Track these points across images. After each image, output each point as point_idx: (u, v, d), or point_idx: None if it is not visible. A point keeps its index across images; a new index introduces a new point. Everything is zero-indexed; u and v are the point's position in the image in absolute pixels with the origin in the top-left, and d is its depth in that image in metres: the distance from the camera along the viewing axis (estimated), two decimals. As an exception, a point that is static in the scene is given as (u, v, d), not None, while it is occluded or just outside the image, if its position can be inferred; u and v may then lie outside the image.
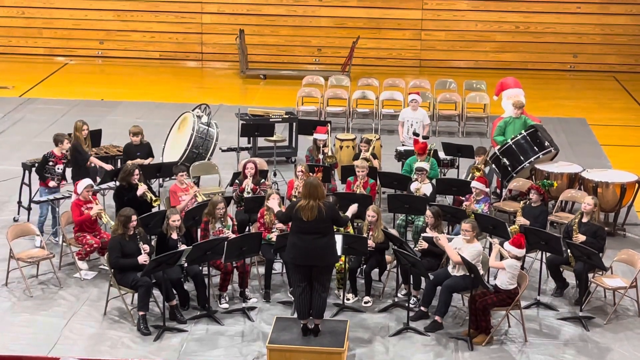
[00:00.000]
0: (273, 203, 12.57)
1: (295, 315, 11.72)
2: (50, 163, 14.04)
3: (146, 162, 14.83)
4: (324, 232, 11.15)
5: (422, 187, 14.17)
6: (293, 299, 12.28)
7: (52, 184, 14.02)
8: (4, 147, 18.52)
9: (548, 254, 12.80)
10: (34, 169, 14.52)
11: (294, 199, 13.61)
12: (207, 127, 16.30)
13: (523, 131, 15.53)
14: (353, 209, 11.87)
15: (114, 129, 18.58)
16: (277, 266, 13.22)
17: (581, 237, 12.51)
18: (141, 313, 11.73)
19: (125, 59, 25.88)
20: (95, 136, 15.95)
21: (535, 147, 15.42)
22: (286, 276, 12.92)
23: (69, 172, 14.65)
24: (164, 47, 26.01)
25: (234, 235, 12.48)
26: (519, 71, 24.83)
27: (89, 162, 14.54)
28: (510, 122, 16.02)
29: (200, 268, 12.34)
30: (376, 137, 16.39)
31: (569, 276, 12.89)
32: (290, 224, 12.83)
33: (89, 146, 14.78)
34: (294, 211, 11.16)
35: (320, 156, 15.51)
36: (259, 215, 13.09)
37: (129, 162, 14.31)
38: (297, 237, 11.18)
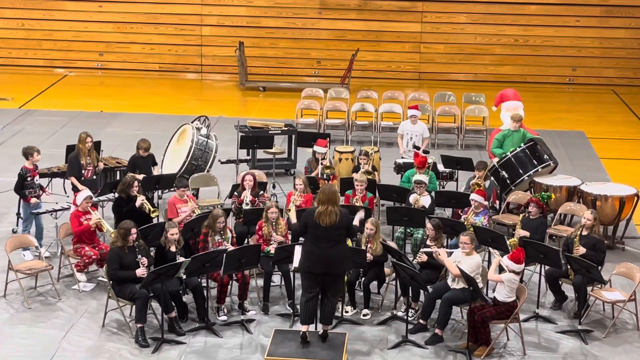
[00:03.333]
0: (292, 215, 12.32)
1: (294, 328, 11.73)
2: (28, 178, 14.04)
3: (140, 177, 14.76)
4: (338, 239, 11.22)
5: (421, 199, 14.18)
6: (292, 311, 12.28)
7: (33, 200, 14.00)
8: (3, 158, 18.52)
9: (547, 267, 12.80)
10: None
11: (289, 212, 13.60)
12: (206, 139, 16.31)
13: (522, 144, 15.55)
14: (360, 215, 11.89)
15: (113, 141, 18.60)
16: (276, 279, 13.21)
17: (582, 250, 12.50)
18: (139, 325, 11.72)
19: (125, 71, 25.92)
20: (95, 148, 15.94)
21: (534, 160, 15.43)
22: (285, 288, 12.91)
23: (56, 181, 14.67)
24: (164, 59, 26.05)
25: (232, 247, 12.48)
26: (518, 84, 24.83)
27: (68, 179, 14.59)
28: (509, 135, 16.03)
29: (199, 280, 12.34)
30: (375, 150, 16.40)
31: (568, 289, 12.88)
32: (290, 236, 12.90)
33: (93, 158, 14.76)
34: (313, 218, 11.16)
35: (319, 167, 15.52)
36: (257, 227, 13.09)
37: (129, 174, 14.32)
38: (313, 244, 11.21)
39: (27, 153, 14.19)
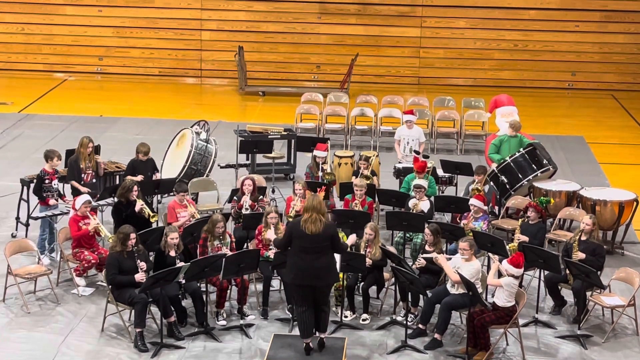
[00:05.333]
0: (270, 234, 12.49)
1: (294, 333, 11.73)
2: (47, 181, 14.05)
3: (138, 178, 14.75)
4: (324, 251, 11.10)
5: (420, 204, 14.18)
6: (291, 316, 12.28)
7: (52, 201, 14.03)
8: (2, 162, 18.51)
9: (546, 272, 12.80)
10: (32, 185, 14.48)
11: (290, 219, 13.56)
12: (205, 144, 16.31)
13: (522, 149, 15.56)
14: (352, 239, 11.89)
15: (112, 145, 18.60)
16: (275, 283, 13.21)
17: (581, 255, 12.51)
18: (138, 330, 11.72)
19: (124, 75, 25.93)
20: (94, 152, 15.94)
21: (533, 165, 15.44)
22: (284, 293, 12.91)
23: (66, 187, 14.69)
24: (163, 64, 26.06)
25: (231, 252, 12.47)
26: (518, 89, 24.90)
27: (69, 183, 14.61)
28: (506, 141, 16.04)
29: (198, 285, 12.34)
30: (375, 155, 16.40)
31: (567, 294, 12.88)
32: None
33: (93, 162, 14.76)
34: (297, 229, 11.08)
35: (320, 173, 15.51)
36: (256, 232, 13.08)
37: (128, 177, 14.32)
38: (298, 256, 11.12)
39: (48, 156, 14.18)
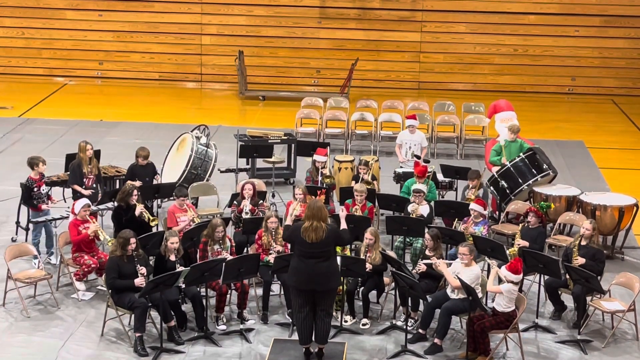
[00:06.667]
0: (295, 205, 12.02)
1: (294, 337, 11.72)
2: (35, 189, 14.06)
3: (138, 183, 14.75)
4: (326, 256, 11.08)
5: (420, 208, 14.17)
6: (291, 320, 12.27)
7: (44, 207, 14.03)
8: (2, 167, 18.52)
9: (546, 277, 12.80)
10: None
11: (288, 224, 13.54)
12: (205, 148, 16.32)
13: (521, 154, 15.56)
14: (342, 215, 11.75)
15: (112, 150, 18.60)
16: (275, 288, 13.21)
17: (581, 260, 12.50)
18: (138, 334, 11.71)
19: (125, 80, 25.94)
20: (94, 156, 15.93)
21: (533, 170, 15.44)
22: (284, 298, 12.91)
23: (66, 191, 14.71)
24: (163, 68, 26.07)
25: (231, 257, 12.47)
26: (517, 94, 24.92)
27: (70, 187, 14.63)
28: (506, 146, 16.04)
29: (198, 289, 12.33)
30: (374, 159, 16.40)
31: (567, 299, 12.88)
32: (289, 246, 12.88)
33: (94, 166, 14.77)
34: (298, 235, 11.07)
35: (319, 177, 15.51)
36: (256, 236, 13.08)
37: (128, 182, 14.33)
38: (300, 261, 11.11)
39: (32, 163, 14.20)
